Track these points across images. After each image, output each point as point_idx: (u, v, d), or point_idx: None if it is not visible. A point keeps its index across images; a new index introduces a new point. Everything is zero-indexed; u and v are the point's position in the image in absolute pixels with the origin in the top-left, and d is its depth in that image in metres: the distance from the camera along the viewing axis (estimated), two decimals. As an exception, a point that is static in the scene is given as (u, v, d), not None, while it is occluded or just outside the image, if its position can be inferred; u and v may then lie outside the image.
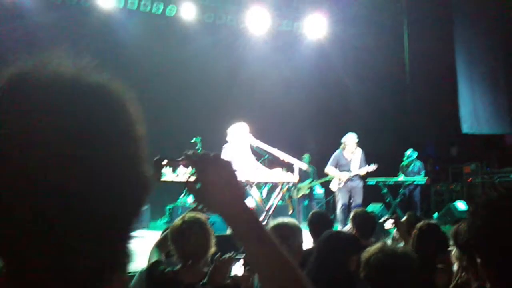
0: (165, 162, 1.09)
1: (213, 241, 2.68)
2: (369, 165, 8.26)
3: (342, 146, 8.41)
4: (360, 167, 8.25)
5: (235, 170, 1.05)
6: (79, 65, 0.66)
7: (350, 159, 8.33)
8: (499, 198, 1.15)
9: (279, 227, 2.87)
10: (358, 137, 8.41)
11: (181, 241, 2.63)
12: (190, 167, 1.08)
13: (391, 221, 4.26)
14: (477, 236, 1.16)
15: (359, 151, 8.39)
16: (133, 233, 0.68)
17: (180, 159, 1.09)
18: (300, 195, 10.77)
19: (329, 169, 8.52)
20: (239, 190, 1.04)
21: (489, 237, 1.12)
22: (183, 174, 1.09)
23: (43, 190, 0.58)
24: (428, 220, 3.60)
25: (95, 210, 0.60)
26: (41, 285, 0.61)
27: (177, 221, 2.71)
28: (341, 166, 8.36)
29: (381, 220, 4.45)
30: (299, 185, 10.78)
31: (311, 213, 4.73)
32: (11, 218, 0.58)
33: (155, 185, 1.21)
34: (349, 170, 8.26)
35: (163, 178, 1.09)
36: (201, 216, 2.73)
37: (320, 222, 4.18)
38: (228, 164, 1.04)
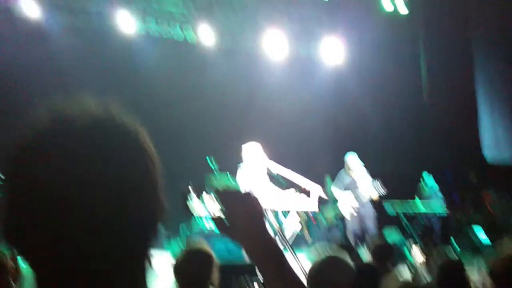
0: (189, 199, 1.14)
1: (215, 271, 2.71)
2: (376, 186, 7.69)
3: (345, 166, 7.99)
4: (367, 188, 7.72)
5: (262, 207, 1.11)
6: (107, 106, 0.78)
7: (356, 179, 7.88)
8: None
9: None
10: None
11: (182, 272, 2.69)
12: (217, 202, 1.12)
13: (420, 255, 4.20)
14: None
15: (363, 170, 7.95)
16: (153, 239, 0.81)
17: (208, 193, 1.14)
18: (328, 226, 9.84)
19: (336, 191, 7.96)
20: (264, 226, 1.10)
21: None
22: (211, 206, 1.14)
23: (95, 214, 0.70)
24: (452, 257, 3.56)
25: (127, 222, 0.73)
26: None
27: (180, 252, 2.79)
28: (346, 186, 7.88)
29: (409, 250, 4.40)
30: (326, 215, 10.14)
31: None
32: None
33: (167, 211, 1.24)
34: (355, 189, 7.75)
35: (193, 213, 1.14)
36: (204, 246, 2.79)
37: None
38: (256, 202, 1.10)
